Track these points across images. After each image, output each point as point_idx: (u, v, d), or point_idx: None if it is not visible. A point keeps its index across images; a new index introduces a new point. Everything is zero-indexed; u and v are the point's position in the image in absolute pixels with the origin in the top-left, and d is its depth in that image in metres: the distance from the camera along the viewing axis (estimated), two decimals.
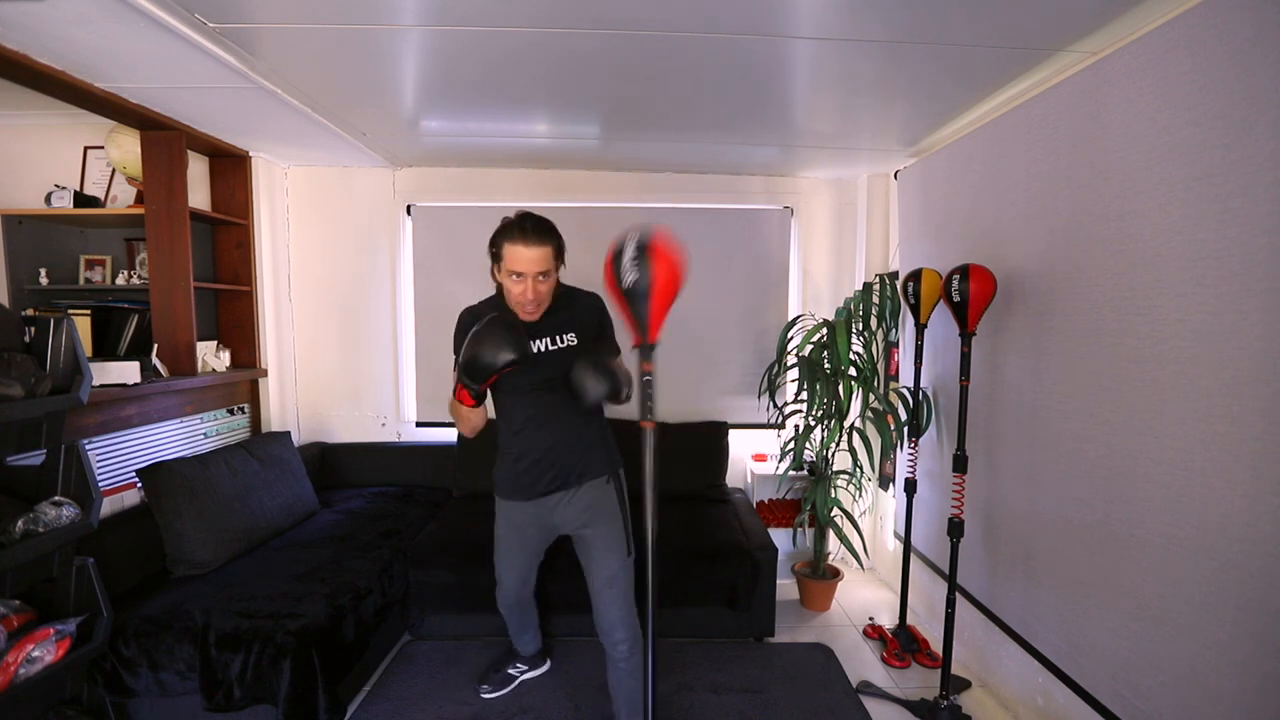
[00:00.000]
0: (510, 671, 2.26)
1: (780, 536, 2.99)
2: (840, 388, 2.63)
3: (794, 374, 3.01)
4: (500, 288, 1.76)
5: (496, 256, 1.68)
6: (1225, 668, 1.35)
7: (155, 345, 2.51)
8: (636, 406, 1.30)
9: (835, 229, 3.38)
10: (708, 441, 3.14)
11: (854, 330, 2.78)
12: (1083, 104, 1.75)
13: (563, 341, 1.76)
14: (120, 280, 2.72)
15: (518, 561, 1.99)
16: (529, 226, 1.63)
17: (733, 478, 3.33)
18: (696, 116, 2.43)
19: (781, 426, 3.03)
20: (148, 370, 2.38)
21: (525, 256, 1.61)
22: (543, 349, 1.74)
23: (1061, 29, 1.66)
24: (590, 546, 1.84)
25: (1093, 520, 1.72)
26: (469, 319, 1.79)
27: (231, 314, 2.98)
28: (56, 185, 2.61)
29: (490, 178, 3.26)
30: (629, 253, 1.22)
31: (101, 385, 2.09)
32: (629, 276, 1.21)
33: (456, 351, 1.70)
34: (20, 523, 1.56)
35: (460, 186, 3.27)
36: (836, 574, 2.92)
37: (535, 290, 1.65)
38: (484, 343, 1.51)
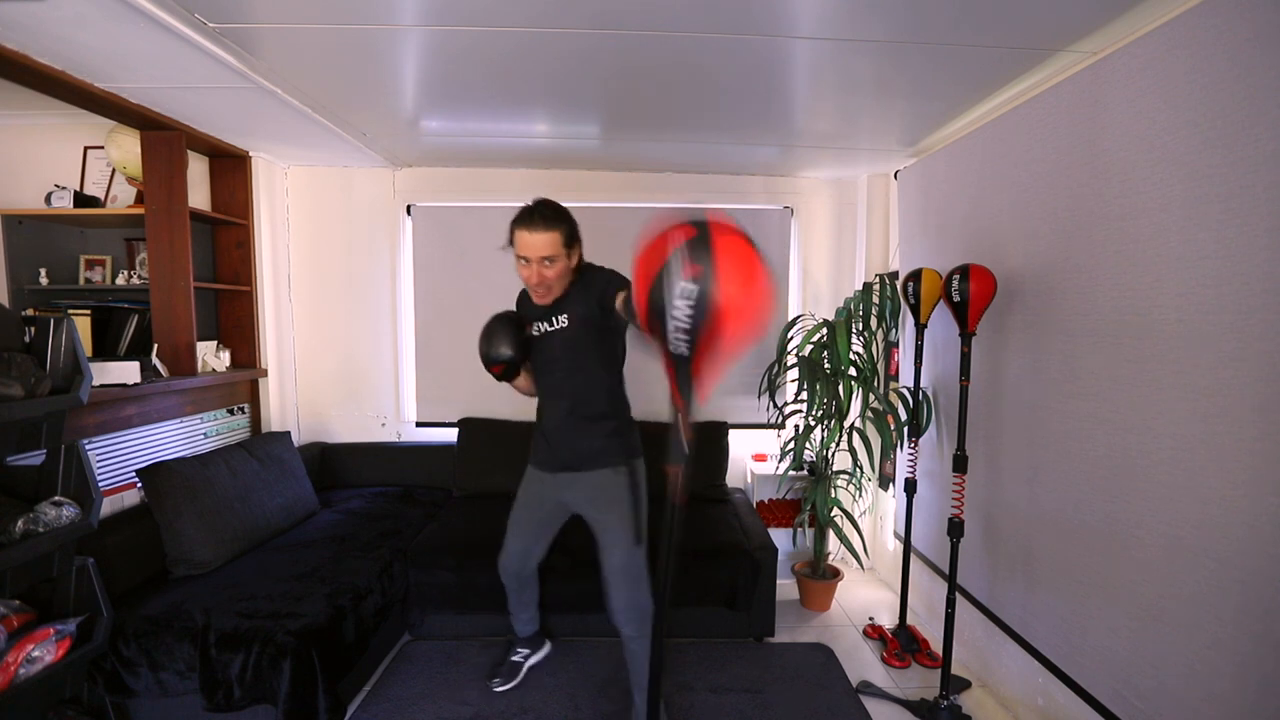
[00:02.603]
0: (515, 659, 2.27)
1: (780, 536, 2.99)
2: (840, 388, 2.63)
3: (794, 374, 3.01)
4: None
5: (511, 243, 1.73)
6: (1225, 668, 1.35)
7: (155, 345, 2.51)
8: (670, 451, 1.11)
9: (835, 229, 3.38)
10: (708, 441, 3.14)
11: (854, 330, 2.78)
12: (1083, 104, 1.75)
13: (556, 323, 1.82)
14: (120, 280, 2.72)
15: (526, 528, 2.04)
16: (535, 213, 1.67)
17: (733, 478, 3.33)
18: (696, 116, 2.43)
19: (781, 426, 3.03)
20: (148, 370, 2.38)
21: (529, 242, 1.66)
22: (544, 329, 1.84)
23: (1061, 29, 1.66)
24: (600, 533, 1.90)
25: (1093, 520, 1.72)
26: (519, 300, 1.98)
27: (231, 314, 2.98)
28: (56, 185, 2.60)
29: (490, 177, 3.26)
30: (679, 310, 0.84)
31: (101, 385, 2.09)
32: (678, 344, 0.89)
33: None
34: (20, 523, 1.56)
35: (460, 186, 3.27)
36: (836, 574, 2.92)
37: (540, 275, 1.69)
38: (486, 338, 1.75)
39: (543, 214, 1.66)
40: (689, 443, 1.04)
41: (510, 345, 1.72)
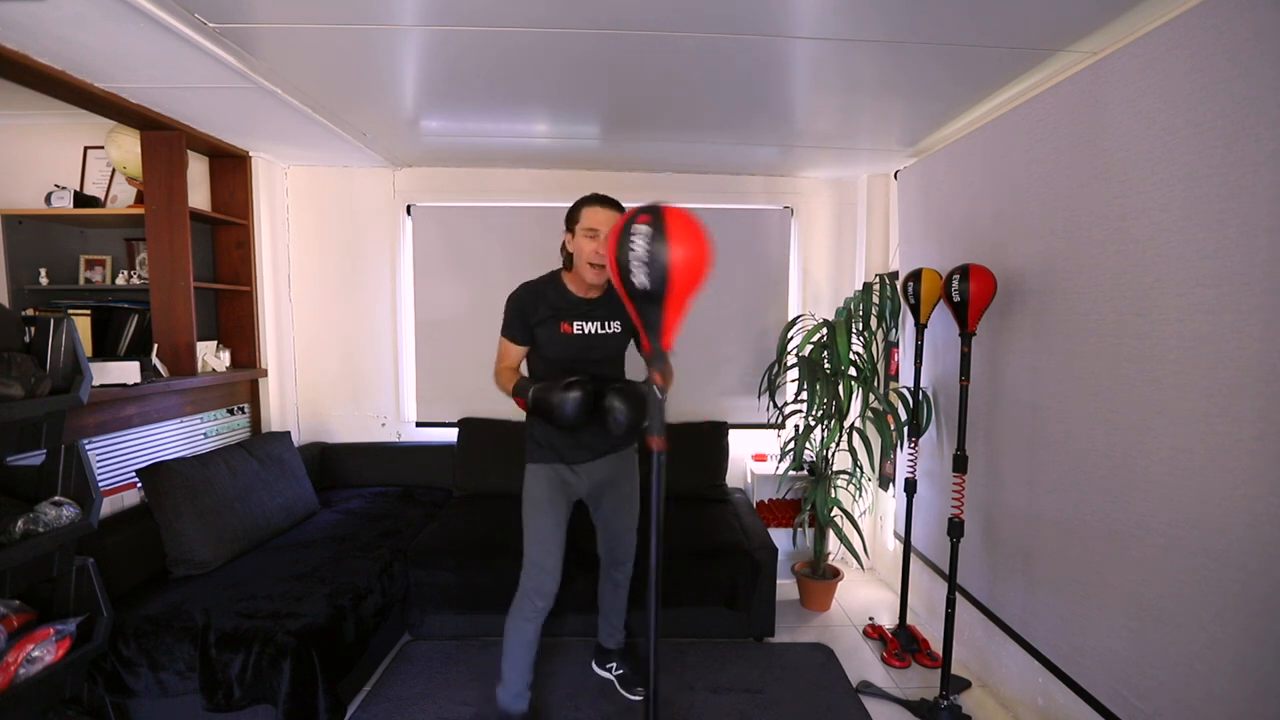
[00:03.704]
0: None
1: (780, 536, 2.99)
2: (840, 388, 2.63)
3: (794, 374, 3.01)
4: (566, 260, 1.90)
5: (572, 221, 1.85)
6: (1225, 667, 1.35)
7: (155, 345, 2.51)
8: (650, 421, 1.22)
9: (835, 229, 3.38)
10: (708, 441, 3.14)
11: (854, 330, 2.78)
12: (1083, 104, 1.75)
13: (609, 328, 1.93)
14: (120, 280, 2.72)
15: (554, 531, 1.94)
16: (608, 198, 1.87)
17: (733, 478, 3.33)
18: (696, 116, 2.42)
19: (781, 426, 3.03)
20: (148, 370, 2.38)
21: (602, 216, 1.82)
22: (593, 331, 1.92)
23: (1061, 29, 1.66)
24: (620, 501, 2.08)
25: (1092, 520, 1.72)
26: (527, 295, 1.91)
27: (231, 314, 2.98)
28: (56, 185, 2.60)
29: (490, 177, 3.26)
30: (638, 245, 1.03)
31: (101, 385, 2.09)
32: (638, 275, 1.04)
33: (509, 319, 1.90)
34: (20, 523, 1.56)
35: (460, 186, 3.27)
36: (836, 574, 2.92)
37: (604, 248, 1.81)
38: (560, 409, 1.69)
39: (612, 198, 1.86)
40: (663, 389, 1.13)
41: (577, 424, 1.72)
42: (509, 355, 1.92)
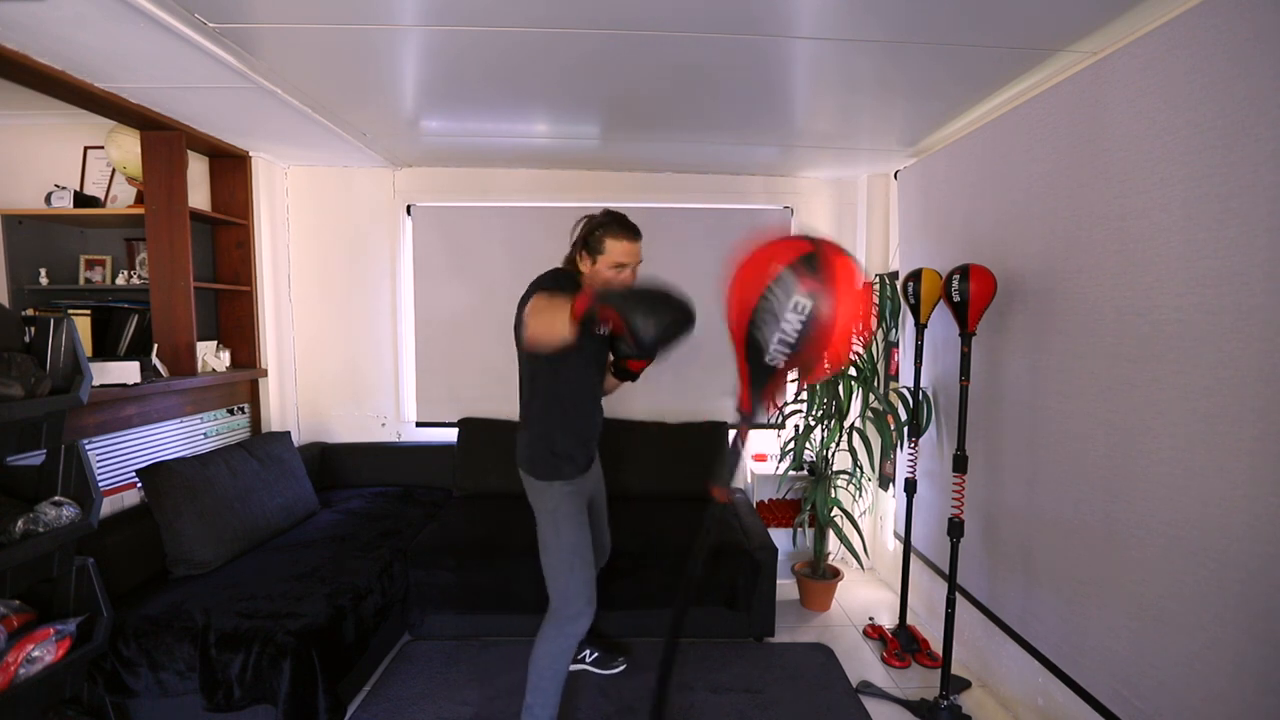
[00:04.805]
0: None
1: (780, 536, 2.98)
2: (840, 388, 2.63)
3: (794, 374, 3.01)
4: (574, 270, 1.82)
5: (595, 249, 1.75)
6: (1225, 667, 1.35)
7: (155, 345, 2.51)
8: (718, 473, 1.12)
9: (835, 229, 3.38)
10: (708, 441, 3.14)
11: (854, 330, 2.78)
12: (1083, 104, 1.75)
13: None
14: (120, 280, 2.72)
15: (588, 544, 1.88)
16: (629, 223, 1.78)
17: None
18: (696, 117, 2.42)
19: (781, 426, 3.03)
20: (148, 370, 2.38)
21: (630, 249, 1.76)
22: (608, 333, 1.86)
23: (1061, 29, 1.66)
24: (603, 500, 2.13)
25: (1093, 520, 1.72)
26: (561, 277, 1.76)
27: (231, 314, 2.98)
28: (56, 185, 2.60)
29: (490, 177, 3.26)
30: (790, 322, 0.85)
31: (101, 385, 2.09)
32: (775, 355, 0.88)
33: (553, 284, 1.70)
34: (20, 523, 1.56)
35: (460, 186, 3.27)
36: (836, 574, 2.92)
37: (632, 279, 1.77)
38: (668, 309, 1.27)
39: (634, 225, 1.78)
40: (743, 443, 1.07)
41: (687, 329, 1.31)
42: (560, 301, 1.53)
